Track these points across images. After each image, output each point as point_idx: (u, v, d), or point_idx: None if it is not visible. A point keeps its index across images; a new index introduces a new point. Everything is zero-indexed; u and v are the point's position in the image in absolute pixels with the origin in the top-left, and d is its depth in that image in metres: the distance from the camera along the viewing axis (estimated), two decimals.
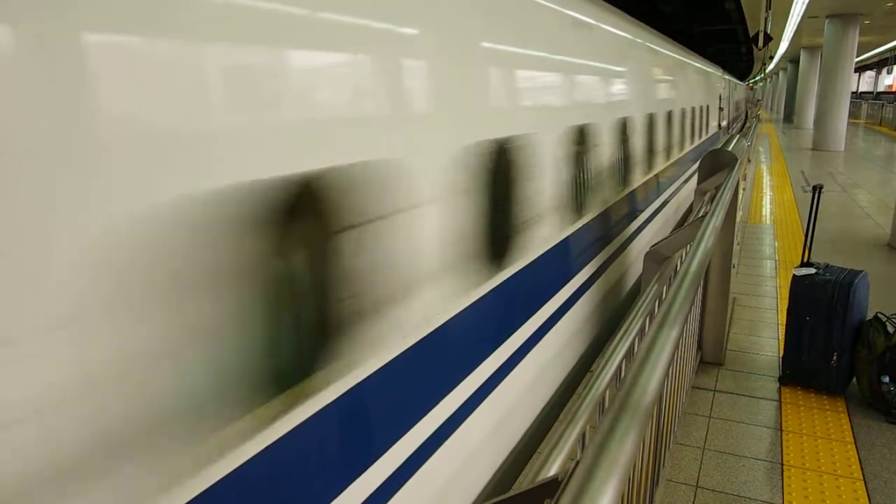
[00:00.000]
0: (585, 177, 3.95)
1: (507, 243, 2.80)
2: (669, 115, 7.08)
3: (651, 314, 2.61)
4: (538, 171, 3.09)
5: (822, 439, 3.31)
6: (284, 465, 1.51)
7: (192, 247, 1.22)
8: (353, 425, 1.79)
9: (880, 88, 62.47)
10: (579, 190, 3.83)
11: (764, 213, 9.23)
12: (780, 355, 4.07)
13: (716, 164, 4.57)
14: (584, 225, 3.95)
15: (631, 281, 5.47)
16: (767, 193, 10.96)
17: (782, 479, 3.00)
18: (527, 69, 3.11)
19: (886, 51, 35.48)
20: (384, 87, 1.90)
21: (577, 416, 1.67)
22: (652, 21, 8.36)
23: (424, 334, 2.11)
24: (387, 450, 1.93)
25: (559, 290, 3.56)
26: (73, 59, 1.02)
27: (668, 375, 2.44)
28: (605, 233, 4.52)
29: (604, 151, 4.35)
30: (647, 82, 6.16)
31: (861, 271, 3.78)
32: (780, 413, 3.59)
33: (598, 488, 0.91)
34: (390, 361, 1.90)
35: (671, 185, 7.46)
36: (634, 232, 5.48)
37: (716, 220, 2.80)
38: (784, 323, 3.92)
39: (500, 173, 2.65)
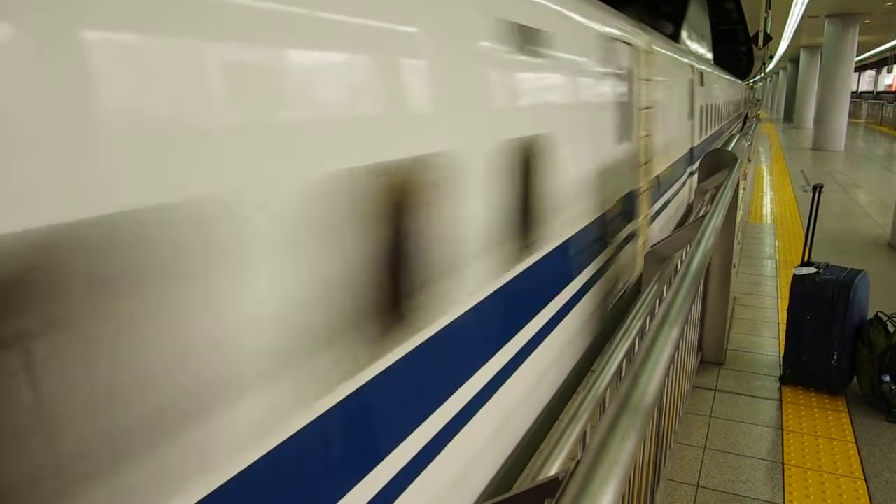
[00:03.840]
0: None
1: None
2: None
3: (651, 314, 2.61)
4: None
5: (823, 438, 3.31)
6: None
7: None
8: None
9: (880, 88, 62.45)
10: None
11: (764, 213, 9.23)
12: (781, 355, 4.07)
13: (716, 164, 4.57)
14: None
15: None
16: (768, 193, 10.96)
17: (783, 478, 3.00)
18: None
19: (886, 50, 35.48)
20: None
21: (577, 415, 1.67)
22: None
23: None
24: None
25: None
26: None
27: (669, 375, 2.44)
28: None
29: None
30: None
31: (861, 271, 3.78)
32: (781, 412, 3.59)
33: (598, 488, 0.91)
34: None
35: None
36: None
37: (716, 220, 2.80)
38: (784, 322, 3.92)
39: None
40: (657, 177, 6.20)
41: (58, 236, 0.96)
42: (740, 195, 5.04)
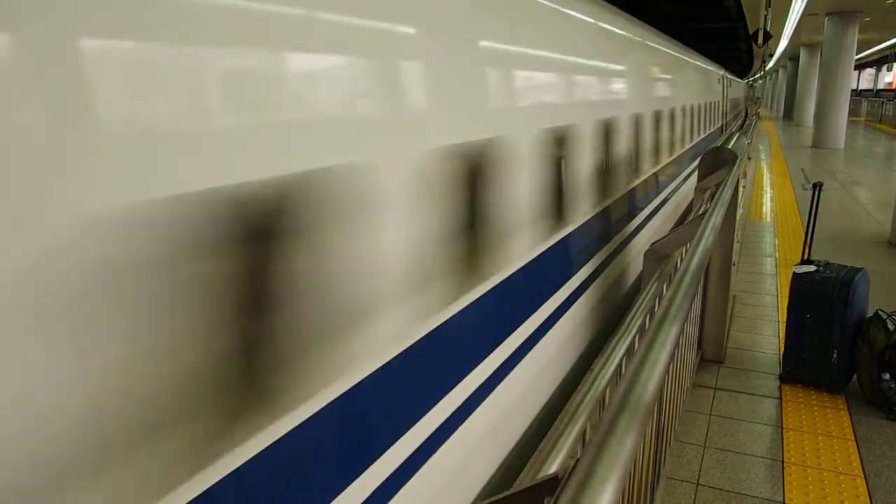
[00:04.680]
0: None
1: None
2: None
3: (651, 312, 2.61)
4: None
5: (823, 436, 3.31)
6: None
7: None
8: None
9: (880, 86, 62.44)
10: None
11: (764, 211, 9.23)
12: (781, 353, 4.07)
13: (716, 162, 4.57)
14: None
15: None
16: (767, 191, 10.96)
17: (783, 476, 3.00)
18: None
19: (886, 48, 35.43)
20: None
21: (577, 413, 1.67)
22: (652, 19, 8.35)
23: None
24: None
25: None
26: None
27: (669, 373, 2.44)
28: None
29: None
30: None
31: (861, 269, 3.78)
32: (781, 410, 3.59)
33: (598, 486, 0.91)
34: None
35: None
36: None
37: (716, 218, 2.79)
38: (784, 320, 3.92)
39: None
40: None
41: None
42: (740, 193, 5.04)
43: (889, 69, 54.47)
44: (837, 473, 3.01)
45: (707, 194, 4.27)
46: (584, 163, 3.82)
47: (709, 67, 13.13)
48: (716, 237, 2.64)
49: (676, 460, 3.14)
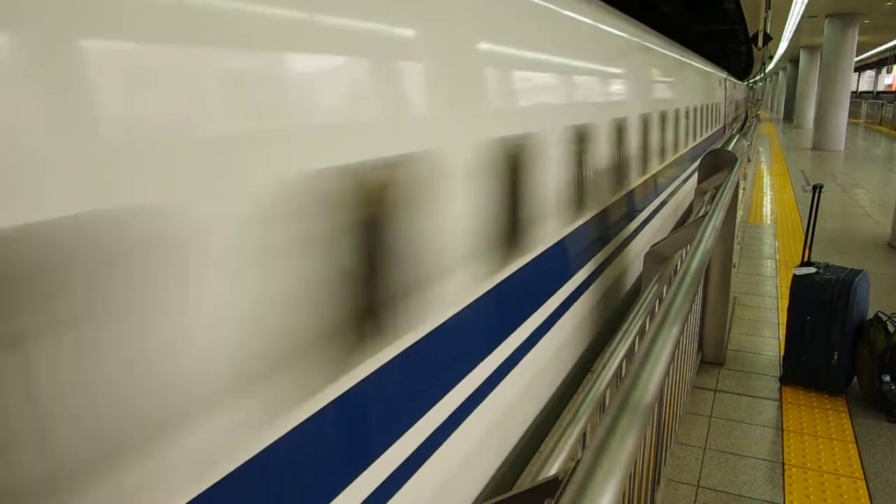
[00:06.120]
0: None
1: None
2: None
3: (651, 314, 2.61)
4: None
5: (823, 439, 3.31)
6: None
7: None
8: None
9: (880, 88, 62.44)
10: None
11: (764, 213, 9.23)
12: (781, 355, 4.07)
13: (716, 164, 4.57)
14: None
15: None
16: (768, 193, 10.96)
17: (783, 478, 3.00)
18: None
19: (886, 50, 35.46)
20: None
21: (577, 415, 1.67)
22: (651, 20, 8.36)
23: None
24: None
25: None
26: None
27: (669, 375, 2.44)
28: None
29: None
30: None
31: (861, 271, 3.78)
32: (781, 412, 3.59)
33: (598, 488, 0.91)
34: None
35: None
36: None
37: (716, 220, 2.80)
38: (785, 322, 3.92)
39: None
40: None
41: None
42: (740, 195, 5.04)
43: (889, 71, 54.50)
44: (838, 476, 3.01)
45: (707, 196, 4.27)
46: None
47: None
48: (716, 239, 2.64)
49: (677, 462, 3.14)
